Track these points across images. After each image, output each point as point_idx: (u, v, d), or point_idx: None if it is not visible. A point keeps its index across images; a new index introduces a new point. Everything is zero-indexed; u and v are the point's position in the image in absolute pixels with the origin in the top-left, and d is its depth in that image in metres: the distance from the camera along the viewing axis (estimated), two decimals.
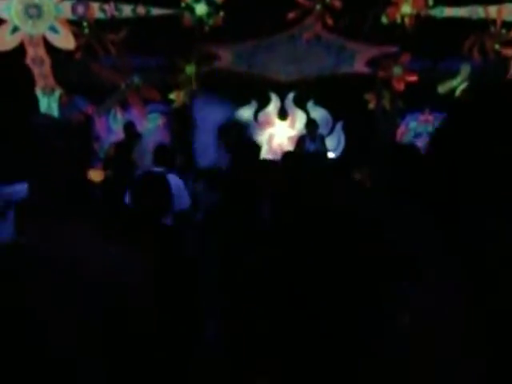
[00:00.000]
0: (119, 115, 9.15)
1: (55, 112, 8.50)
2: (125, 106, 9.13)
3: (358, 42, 9.54)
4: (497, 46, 9.16)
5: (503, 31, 9.10)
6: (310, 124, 9.32)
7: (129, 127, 8.70)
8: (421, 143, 10.25)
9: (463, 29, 9.02)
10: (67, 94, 8.68)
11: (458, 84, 9.65)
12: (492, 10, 9.03)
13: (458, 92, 9.62)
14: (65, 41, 8.22)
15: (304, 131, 9.50)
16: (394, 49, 9.48)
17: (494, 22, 9.07)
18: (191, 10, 8.63)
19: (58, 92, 8.51)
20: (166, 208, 3.42)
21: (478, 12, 9.06)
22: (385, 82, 9.64)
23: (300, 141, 9.18)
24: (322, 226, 2.17)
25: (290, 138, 10.22)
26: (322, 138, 9.33)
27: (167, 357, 1.52)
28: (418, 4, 8.98)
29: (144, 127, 9.38)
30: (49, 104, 8.41)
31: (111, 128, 9.41)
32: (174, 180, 4.60)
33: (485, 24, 9.12)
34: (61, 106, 8.63)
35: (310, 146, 8.96)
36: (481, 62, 9.38)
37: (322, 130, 9.79)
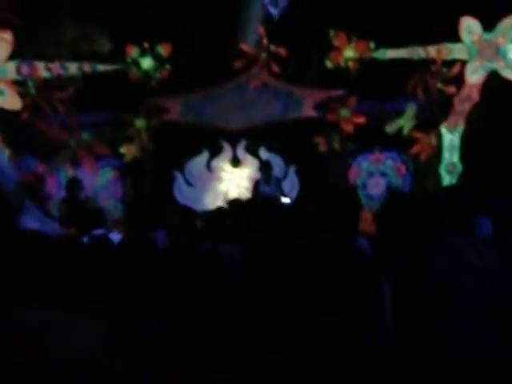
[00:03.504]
0: (70, 172, 9.05)
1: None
2: (75, 163, 9.05)
3: (305, 87, 9.71)
4: (439, 85, 9.40)
5: (444, 70, 9.35)
6: (264, 167, 9.34)
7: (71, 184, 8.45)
8: (374, 182, 10.39)
9: (406, 69, 9.26)
10: (16, 154, 8.59)
11: (405, 123, 9.85)
12: (431, 50, 9.31)
13: (405, 130, 9.81)
14: (11, 102, 8.18)
15: (258, 176, 9.52)
16: (340, 92, 9.65)
17: (434, 61, 9.33)
18: (137, 64, 8.69)
19: (6, 152, 8.41)
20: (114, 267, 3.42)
21: (419, 52, 9.32)
22: (333, 124, 9.78)
23: (254, 186, 9.20)
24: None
25: (246, 185, 10.23)
26: (278, 181, 9.35)
27: None
28: (360, 48, 9.21)
29: (96, 183, 9.30)
30: None
31: (63, 185, 9.27)
32: (116, 238, 4.67)
33: (426, 64, 9.38)
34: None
35: (265, 189, 8.96)
36: (425, 100, 9.61)
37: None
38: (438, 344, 2.39)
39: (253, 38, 9.34)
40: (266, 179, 9.10)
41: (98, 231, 5.10)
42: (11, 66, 8.15)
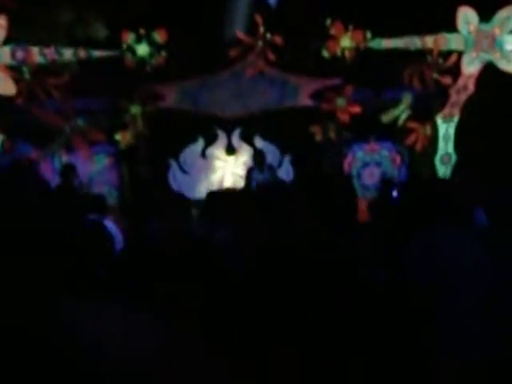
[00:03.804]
0: (65, 158, 9.03)
1: None
2: (70, 149, 9.03)
3: (301, 75, 9.69)
4: (435, 75, 9.39)
5: (440, 60, 9.34)
6: (257, 155, 9.43)
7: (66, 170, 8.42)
8: (368, 172, 10.41)
9: (402, 59, 9.25)
10: (10, 140, 8.56)
11: (401, 112, 9.85)
12: (428, 41, 9.29)
13: (400, 121, 9.82)
14: (5, 87, 8.12)
15: (251, 164, 9.57)
16: (336, 81, 9.64)
17: (430, 51, 9.31)
18: (133, 51, 8.65)
19: (0, 138, 8.39)
20: (108, 254, 3.43)
21: (415, 42, 9.30)
22: (329, 113, 9.77)
23: (247, 173, 9.28)
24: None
25: (240, 173, 10.23)
26: (272, 168, 9.41)
27: None
28: (357, 37, 9.18)
29: (91, 169, 9.29)
30: None
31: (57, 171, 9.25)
32: (109, 225, 4.71)
33: (422, 54, 9.37)
34: (4, 152, 8.48)
35: (258, 176, 9.03)
36: (421, 90, 9.60)
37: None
38: (429, 341, 2.39)
39: (242, 25, 9.29)
40: (259, 167, 9.17)
41: (92, 216, 5.08)
42: (6, 51, 8.09)
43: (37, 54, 8.26)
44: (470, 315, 2.35)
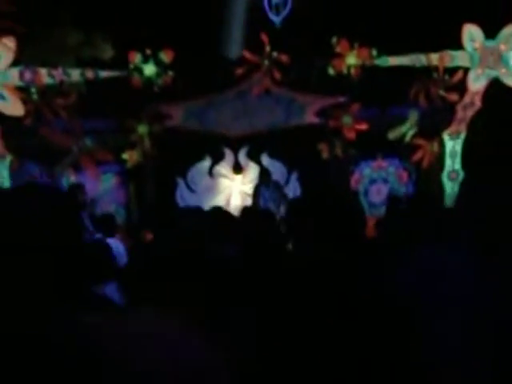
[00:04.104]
0: (73, 178, 9.06)
1: (6, 179, 8.40)
2: (78, 169, 9.07)
3: (307, 93, 9.72)
4: (441, 92, 9.41)
5: (446, 77, 9.36)
6: (263, 173, 9.52)
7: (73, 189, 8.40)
8: (376, 189, 10.39)
9: (408, 76, 9.27)
10: (18, 160, 8.60)
11: (407, 129, 9.86)
12: (434, 58, 9.31)
13: (407, 137, 9.83)
14: (13, 108, 8.18)
15: (258, 182, 9.63)
16: (342, 99, 9.67)
17: (436, 68, 9.34)
18: (140, 71, 8.71)
19: (8, 158, 8.43)
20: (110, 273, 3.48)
21: (421, 60, 9.33)
22: (336, 131, 9.79)
23: (255, 191, 9.34)
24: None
25: (248, 191, 10.25)
26: (277, 185, 9.46)
27: None
28: (363, 55, 9.22)
29: (99, 188, 9.32)
30: None
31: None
32: (114, 244, 4.77)
33: (428, 71, 9.39)
34: (11, 172, 8.53)
35: (265, 193, 9.10)
36: (428, 107, 9.61)
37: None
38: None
39: (248, 44, 9.35)
40: (265, 184, 9.24)
41: (97, 236, 5.12)
42: (14, 72, 8.16)
43: (45, 75, 8.32)
44: (470, 330, 2.34)
